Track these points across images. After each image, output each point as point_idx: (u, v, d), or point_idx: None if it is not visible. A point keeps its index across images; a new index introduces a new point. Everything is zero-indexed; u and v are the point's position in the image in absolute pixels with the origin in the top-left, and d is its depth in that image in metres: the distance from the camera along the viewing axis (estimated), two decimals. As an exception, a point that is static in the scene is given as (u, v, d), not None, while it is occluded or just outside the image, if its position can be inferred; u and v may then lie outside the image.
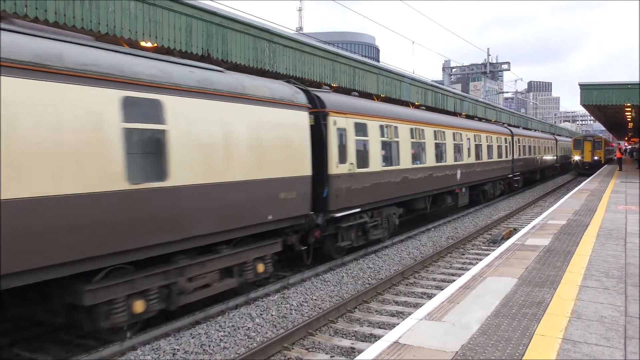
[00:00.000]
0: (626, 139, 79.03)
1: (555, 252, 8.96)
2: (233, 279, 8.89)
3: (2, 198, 5.32)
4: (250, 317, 8.24)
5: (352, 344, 7.40)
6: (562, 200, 18.08)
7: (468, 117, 24.27)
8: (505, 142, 26.16)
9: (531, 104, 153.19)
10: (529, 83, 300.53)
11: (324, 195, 10.88)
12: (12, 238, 5.42)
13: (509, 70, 54.66)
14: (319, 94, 11.11)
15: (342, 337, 7.79)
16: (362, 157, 12.19)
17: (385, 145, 13.35)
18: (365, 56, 30.21)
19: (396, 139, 13.92)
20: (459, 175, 18.87)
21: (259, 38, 11.20)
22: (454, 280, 8.45)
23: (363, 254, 12.99)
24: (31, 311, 6.94)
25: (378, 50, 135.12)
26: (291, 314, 8.61)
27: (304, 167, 10.25)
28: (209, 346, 7.17)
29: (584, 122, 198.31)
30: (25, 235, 5.59)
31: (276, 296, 9.37)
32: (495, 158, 24.05)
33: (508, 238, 13.65)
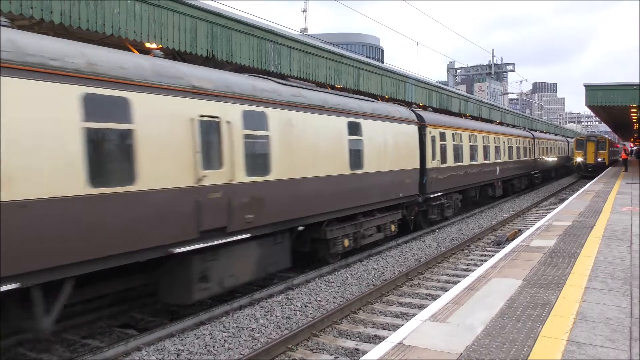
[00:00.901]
0: (632, 140, 78.70)
1: (561, 253, 8.93)
2: (381, 233, 13.64)
3: (315, 175, 10.45)
4: (254, 318, 8.25)
5: (356, 345, 7.40)
6: (567, 201, 18.02)
7: (500, 123, 27.70)
8: (529, 144, 31.21)
9: (536, 104, 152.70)
10: (534, 84, 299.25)
11: (423, 182, 15.71)
12: (305, 198, 10.21)
13: (513, 71, 54.65)
14: (420, 113, 16.19)
15: (346, 338, 7.79)
16: (443, 156, 17.22)
17: (455, 148, 18.34)
18: (369, 57, 30.20)
19: (461, 143, 18.94)
20: (497, 171, 24.02)
21: (263, 39, 11.22)
22: (459, 282, 8.43)
23: (367, 255, 12.99)
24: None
25: (382, 52, 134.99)
26: (295, 314, 8.61)
27: (416, 162, 15.19)
28: (213, 347, 7.18)
29: (589, 123, 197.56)
30: (313, 197, 10.50)
31: (280, 297, 9.38)
32: (522, 158, 29.17)
33: (513, 239, 13.61)
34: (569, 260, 8.33)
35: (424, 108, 19.36)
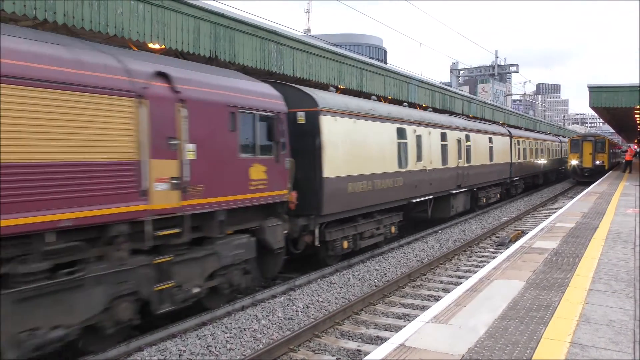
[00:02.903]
0: (636, 141, 78.34)
1: (564, 255, 8.90)
2: (493, 199, 23.93)
3: (479, 163, 21.13)
4: (256, 319, 8.24)
5: (358, 346, 7.38)
6: (570, 203, 17.96)
7: (540, 132, 37.63)
8: (558, 147, 40.96)
9: (540, 106, 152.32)
10: (538, 85, 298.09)
11: (510, 170, 26.18)
12: (476, 174, 20.80)
13: (517, 72, 54.55)
14: (509, 130, 27.10)
15: (348, 339, 7.77)
16: (518, 155, 27.96)
17: (523, 150, 29.25)
18: (372, 58, 30.21)
19: (525, 147, 29.66)
20: (542, 166, 34.48)
21: (266, 40, 11.21)
22: (461, 283, 8.40)
23: (369, 256, 12.96)
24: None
25: (385, 52, 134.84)
26: (297, 315, 8.60)
27: (508, 159, 25.83)
28: (215, 347, 7.18)
29: (593, 124, 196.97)
30: (478, 174, 20.88)
31: (282, 298, 9.37)
32: (554, 157, 39.34)
33: (516, 241, 13.55)
34: (572, 262, 8.29)
35: (426, 109, 19.48)
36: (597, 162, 35.95)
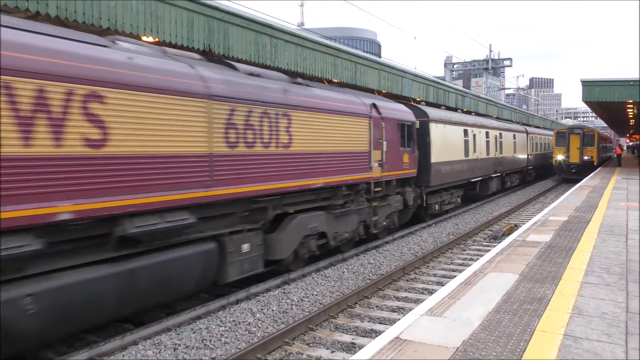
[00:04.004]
0: (627, 135, 78.85)
1: (557, 248, 8.96)
2: (514, 182, 30.03)
3: (506, 155, 26.76)
4: (251, 312, 8.25)
5: (353, 339, 7.41)
6: (563, 196, 18.06)
7: (547, 128, 41.56)
8: None
9: (533, 100, 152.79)
10: (531, 79, 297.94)
11: (527, 160, 32.19)
12: (506, 163, 26.86)
13: (510, 66, 54.65)
14: (526, 127, 32.72)
15: (343, 332, 7.80)
16: (533, 148, 33.94)
17: (536, 144, 35.45)
18: (367, 52, 30.17)
19: (536, 141, 35.23)
20: (549, 157, 38.42)
21: (260, 33, 11.16)
22: (455, 276, 8.44)
23: (364, 250, 13.00)
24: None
25: (380, 46, 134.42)
26: (292, 309, 8.62)
27: (525, 152, 31.49)
28: (210, 341, 7.19)
29: (585, 118, 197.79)
30: (507, 162, 26.88)
31: (277, 291, 9.38)
32: None
33: (509, 234, 13.65)
34: (565, 255, 8.36)
35: (419, 102, 19.53)
36: (585, 158, 32.84)
